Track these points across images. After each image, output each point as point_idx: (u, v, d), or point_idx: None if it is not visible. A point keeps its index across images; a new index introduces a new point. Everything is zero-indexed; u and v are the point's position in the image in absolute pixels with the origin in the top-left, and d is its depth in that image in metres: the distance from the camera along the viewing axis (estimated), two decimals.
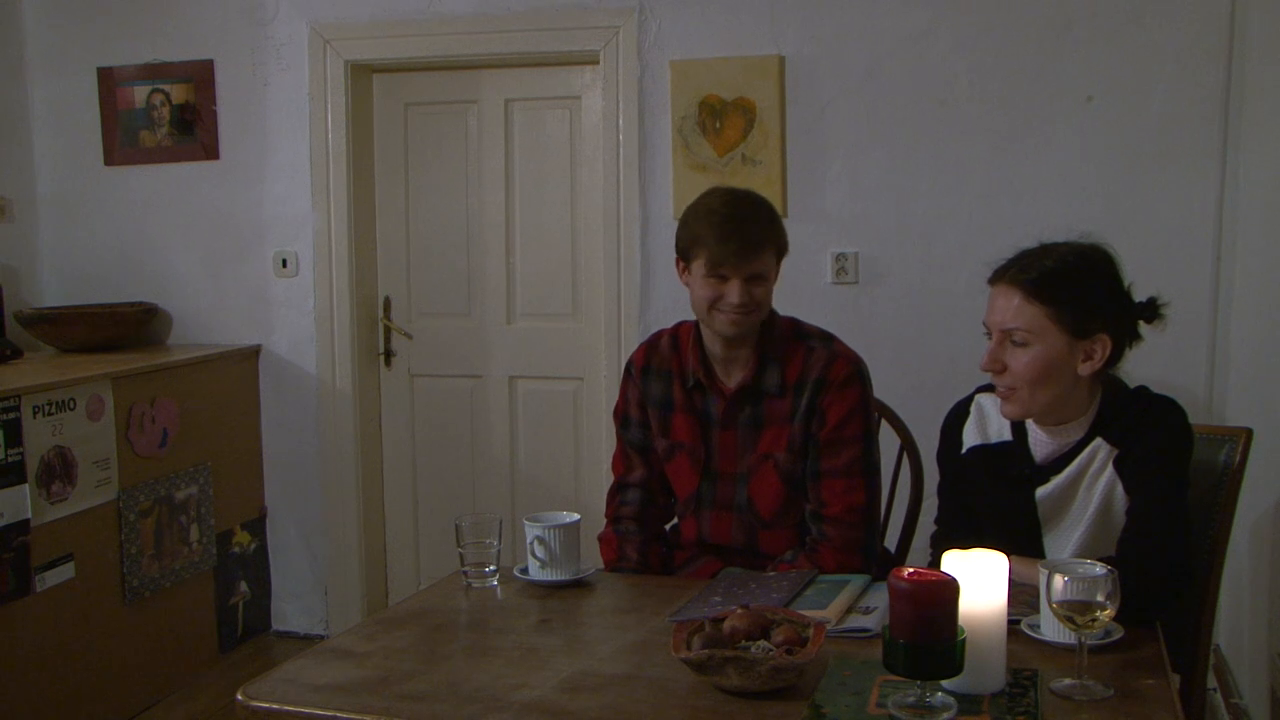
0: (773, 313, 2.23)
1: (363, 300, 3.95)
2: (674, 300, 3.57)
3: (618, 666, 1.66)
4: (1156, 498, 1.80)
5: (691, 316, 2.26)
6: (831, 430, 2.15)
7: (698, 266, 2.12)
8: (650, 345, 2.35)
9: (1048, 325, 1.83)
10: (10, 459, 2.94)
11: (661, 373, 2.28)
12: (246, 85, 3.88)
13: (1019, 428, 1.96)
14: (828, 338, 2.24)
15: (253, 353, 3.97)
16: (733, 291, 2.09)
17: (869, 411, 2.21)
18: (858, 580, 1.95)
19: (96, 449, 3.25)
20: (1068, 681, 1.51)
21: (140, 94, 3.97)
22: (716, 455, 2.25)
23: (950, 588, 1.40)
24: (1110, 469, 1.85)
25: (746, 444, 2.22)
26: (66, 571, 3.13)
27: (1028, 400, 1.86)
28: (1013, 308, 1.84)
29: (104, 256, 4.05)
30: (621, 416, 2.36)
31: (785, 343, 2.21)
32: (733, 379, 2.22)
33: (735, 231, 2.08)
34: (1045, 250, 1.88)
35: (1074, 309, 1.82)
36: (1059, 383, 1.85)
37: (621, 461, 2.37)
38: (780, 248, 2.16)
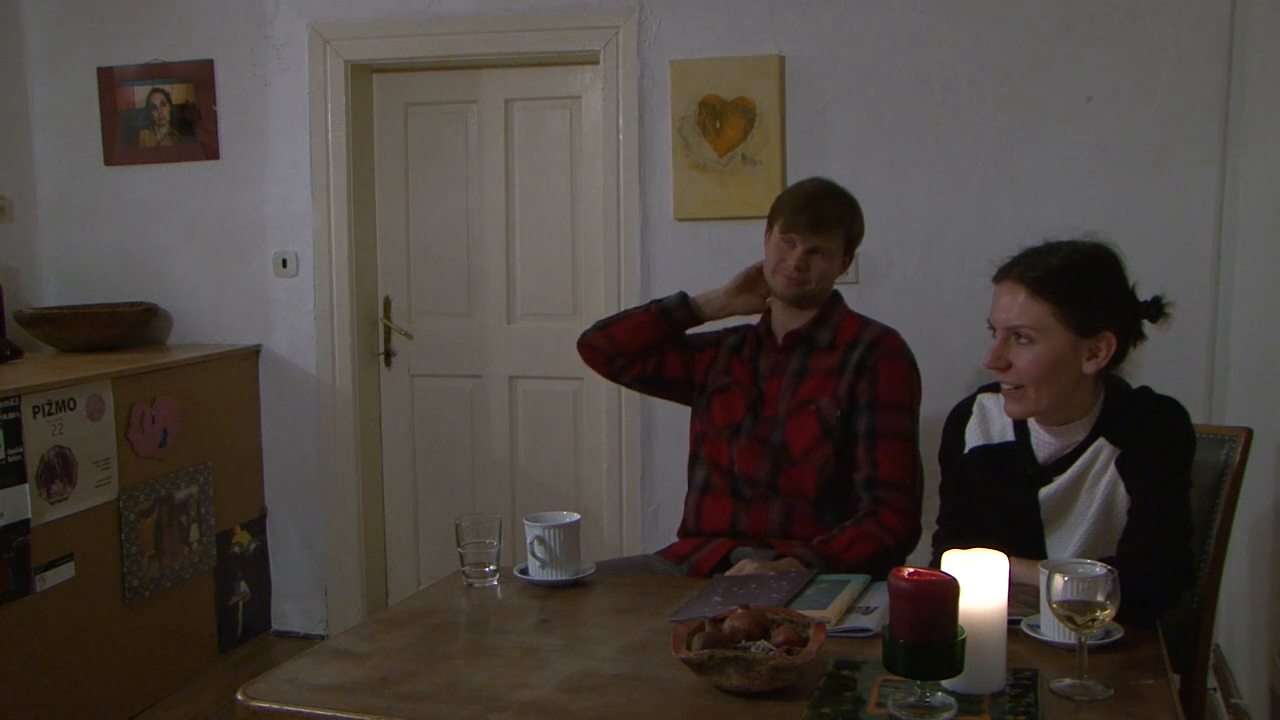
0: (839, 297, 2.47)
1: (363, 300, 3.95)
2: None
3: (618, 666, 1.66)
4: (1158, 498, 1.80)
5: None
6: (886, 393, 2.32)
7: (775, 230, 2.39)
8: (743, 324, 2.60)
9: (1053, 323, 1.83)
10: (10, 459, 2.94)
11: (738, 333, 2.56)
12: (246, 85, 3.88)
13: (1022, 427, 1.96)
14: (886, 326, 2.45)
15: (253, 353, 3.97)
16: (792, 257, 2.35)
17: (917, 390, 2.39)
18: (858, 580, 1.95)
19: (96, 449, 3.25)
20: (1068, 681, 1.51)
21: (140, 94, 3.97)
22: (764, 401, 2.43)
23: (950, 588, 1.40)
24: (1113, 469, 1.85)
25: (788, 391, 2.39)
26: (66, 571, 3.13)
27: (1032, 398, 1.86)
28: (1018, 305, 1.84)
29: (104, 256, 4.05)
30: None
31: (845, 315, 2.44)
32: (783, 332, 2.44)
33: (810, 206, 2.36)
34: (1051, 248, 1.88)
35: (1079, 307, 1.82)
36: (1063, 380, 1.85)
37: None
38: (851, 236, 2.42)
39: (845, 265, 2.44)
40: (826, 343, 2.39)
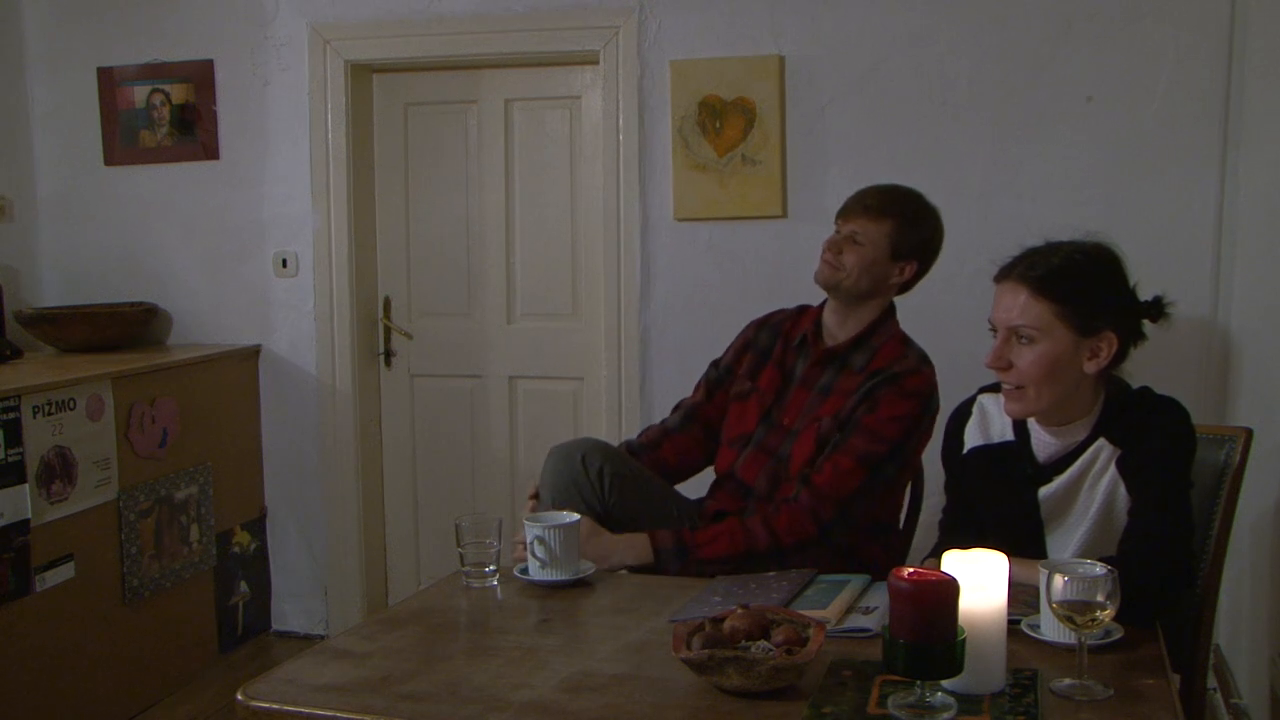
0: (891, 314, 2.39)
1: (363, 300, 3.95)
2: (674, 300, 3.57)
3: (618, 666, 1.66)
4: (1158, 498, 1.80)
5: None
6: (876, 421, 2.24)
7: None
8: (779, 310, 2.56)
9: (1054, 322, 1.83)
10: (10, 459, 2.94)
11: (773, 328, 2.50)
12: (246, 85, 3.88)
13: (1022, 427, 1.95)
14: (927, 359, 2.35)
15: (253, 353, 3.97)
16: (830, 240, 2.34)
17: (914, 432, 2.28)
18: (858, 580, 1.95)
19: (96, 449, 3.25)
20: (1068, 681, 1.51)
21: (140, 94, 3.97)
22: (784, 409, 2.39)
23: (950, 588, 1.40)
24: (1113, 469, 1.85)
25: (811, 406, 2.34)
26: (66, 571, 3.13)
27: (1033, 398, 1.86)
28: (1019, 304, 1.84)
29: (104, 256, 4.05)
30: (715, 361, 2.56)
31: (891, 338, 2.36)
32: (831, 342, 2.38)
33: (860, 194, 2.36)
34: (1052, 248, 1.88)
35: (1081, 306, 1.82)
36: (1064, 380, 1.84)
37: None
38: (901, 235, 2.31)
39: (906, 274, 2.35)
40: (860, 365, 2.32)
